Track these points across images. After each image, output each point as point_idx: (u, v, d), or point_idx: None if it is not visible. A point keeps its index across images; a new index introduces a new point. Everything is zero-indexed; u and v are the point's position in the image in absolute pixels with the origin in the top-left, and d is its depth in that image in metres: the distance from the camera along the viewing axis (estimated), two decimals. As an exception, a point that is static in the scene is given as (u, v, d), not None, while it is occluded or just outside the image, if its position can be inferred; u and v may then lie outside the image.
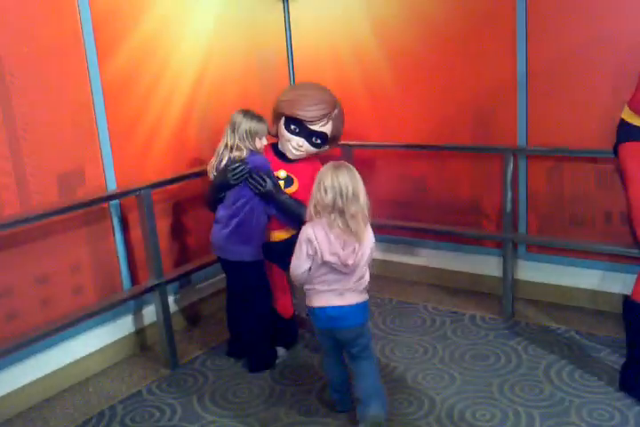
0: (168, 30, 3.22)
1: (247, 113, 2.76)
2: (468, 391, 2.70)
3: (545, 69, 3.19)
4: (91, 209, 2.89)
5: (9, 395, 2.70)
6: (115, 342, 3.13)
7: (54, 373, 2.87)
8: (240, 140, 2.72)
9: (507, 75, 3.30)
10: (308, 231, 2.30)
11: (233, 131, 2.74)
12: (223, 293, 3.15)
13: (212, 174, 2.82)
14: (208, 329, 3.46)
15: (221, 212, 2.83)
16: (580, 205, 3.27)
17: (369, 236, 2.36)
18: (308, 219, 2.33)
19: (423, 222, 3.74)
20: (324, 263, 2.29)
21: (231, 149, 2.74)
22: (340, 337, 2.39)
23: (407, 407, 2.61)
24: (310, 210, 2.30)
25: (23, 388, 2.75)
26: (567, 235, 3.33)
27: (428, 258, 3.90)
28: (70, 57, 2.78)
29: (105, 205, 2.97)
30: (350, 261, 2.28)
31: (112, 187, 2.99)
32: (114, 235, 3.04)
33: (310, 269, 2.33)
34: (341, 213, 2.25)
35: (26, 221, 2.55)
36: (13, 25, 2.57)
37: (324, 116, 2.84)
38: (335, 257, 2.26)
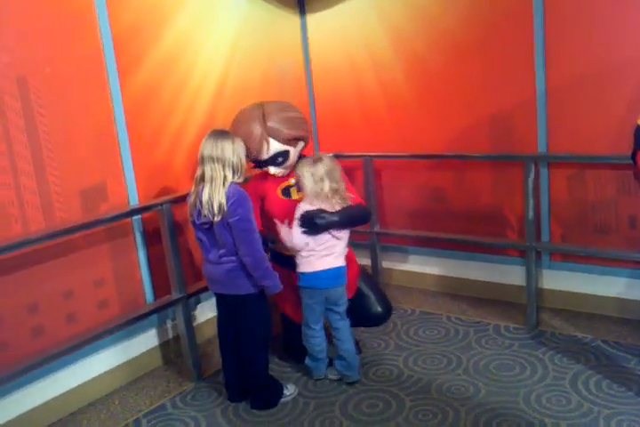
0: (188, 46, 3.28)
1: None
2: (493, 402, 2.66)
3: (565, 78, 3.17)
4: (114, 224, 2.93)
5: (35, 409, 2.73)
6: (139, 356, 3.15)
7: (80, 387, 2.91)
8: None
9: (526, 84, 3.28)
10: (307, 209, 2.69)
11: None
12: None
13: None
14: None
15: (211, 254, 2.64)
16: (604, 211, 3.23)
17: None
18: (309, 202, 2.71)
19: (445, 232, 3.72)
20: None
21: None
22: (331, 296, 2.80)
23: (432, 419, 2.59)
24: (308, 196, 2.71)
25: (49, 402, 2.79)
26: (591, 242, 3.28)
27: (450, 268, 3.87)
28: (92, 75, 2.85)
29: (127, 220, 3.01)
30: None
31: (134, 202, 3.03)
32: (136, 249, 3.08)
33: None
34: (336, 192, 2.70)
35: (50, 237, 2.60)
36: (36, 46, 2.63)
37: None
38: None
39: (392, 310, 3.10)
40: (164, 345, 3.27)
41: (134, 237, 3.07)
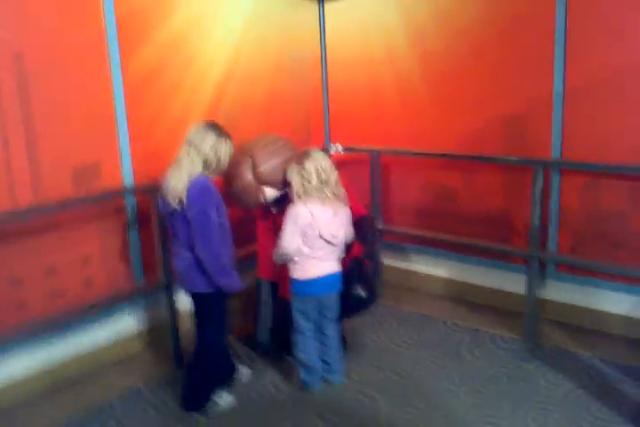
0: (195, 29, 3.22)
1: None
2: (475, 414, 2.56)
3: (585, 80, 3.00)
4: (106, 204, 2.91)
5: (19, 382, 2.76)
6: (122, 339, 3.15)
7: (60, 364, 2.92)
8: None
9: (542, 86, 3.13)
10: (301, 210, 2.56)
11: None
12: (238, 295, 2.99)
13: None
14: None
15: (174, 245, 2.56)
16: (617, 224, 3.05)
17: (347, 209, 2.68)
18: (302, 203, 2.58)
19: (449, 233, 3.59)
20: (320, 237, 2.57)
21: None
22: (325, 302, 2.71)
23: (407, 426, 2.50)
24: (297, 194, 2.59)
25: (29, 377, 2.81)
26: (603, 256, 3.11)
27: (453, 271, 3.75)
28: (92, 55, 2.82)
29: (121, 201, 2.98)
30: (339, 234, 2.63)
31: (129, 183, 3.00)
32: (127, 232, 3.06)
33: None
34: (326, 184, 2.56)
35: (37, 211, 2.61)
36: (36, 22, 2.61)
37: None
38: (328, 231, 2.58)
39: (377, 297, 2.94)
40: (148, 330, 3.25)
41: (127, 220, 3.04)
